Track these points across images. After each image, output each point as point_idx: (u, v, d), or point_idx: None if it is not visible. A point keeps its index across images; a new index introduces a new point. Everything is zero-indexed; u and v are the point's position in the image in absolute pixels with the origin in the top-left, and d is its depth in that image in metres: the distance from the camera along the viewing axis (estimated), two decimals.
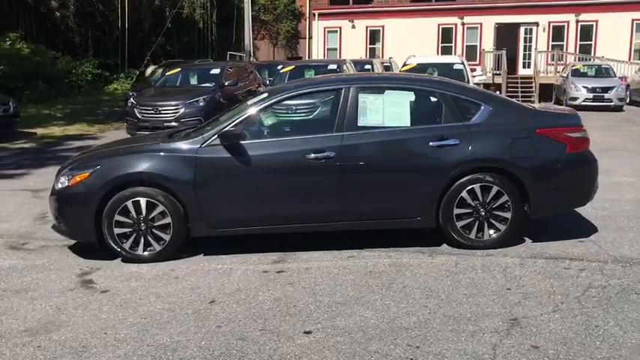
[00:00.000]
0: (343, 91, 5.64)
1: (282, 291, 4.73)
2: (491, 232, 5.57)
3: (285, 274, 5.13)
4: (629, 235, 5.92)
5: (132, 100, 13.91)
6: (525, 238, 5.84)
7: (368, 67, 19.19)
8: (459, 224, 5.55)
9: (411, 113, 5.63)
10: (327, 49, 28.04)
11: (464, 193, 5.49)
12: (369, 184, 5.51)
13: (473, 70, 22.46)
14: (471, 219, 5.55)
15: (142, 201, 5.42)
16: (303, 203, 5.52)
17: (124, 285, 4.98)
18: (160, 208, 5.44)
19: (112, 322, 4.23)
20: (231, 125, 5.51)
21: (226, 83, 14.05)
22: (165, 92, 14.08)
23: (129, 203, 5.42)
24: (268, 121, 5.83)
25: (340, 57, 26.44)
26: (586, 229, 6.14)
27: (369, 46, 27.75)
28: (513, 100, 6.32)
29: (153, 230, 5.47)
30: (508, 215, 5.53)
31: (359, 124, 5.55)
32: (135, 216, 5.43)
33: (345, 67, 14.39)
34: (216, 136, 5.47)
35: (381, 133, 5.56)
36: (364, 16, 27.45)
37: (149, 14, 29.92)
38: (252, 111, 5.66)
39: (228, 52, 28.48)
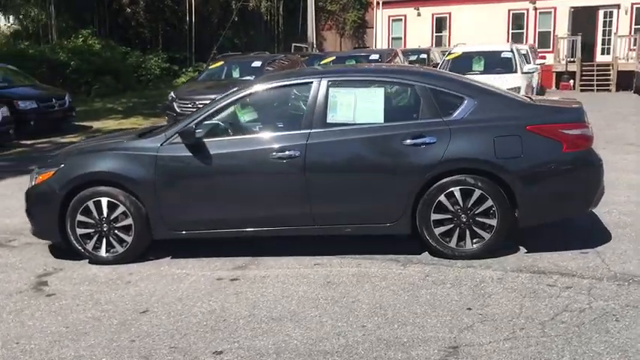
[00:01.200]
0: (313, 85, 5.21)
1: (223, 302, 4.39)
2: (475, 240, 4.99)
3: (237, 282, 4.79)
4: None
5: (172, 94, 13.89)
6: (521, 247, 5.21)
7: (424, 56, 18.45)
8: (438, 231, 5.00)
9: (386, 109, 5.12)
10: (392, 39, 27.26)
11: (442, 197, 4.93)
12: (336, 186, 5.06)
13: (542, 58, 21.16)
14: (451, 225, 4.98)
15: (103, 201, 5.25)
16: (269, 206, 5.15)
17: (73, 289, 4.82)
18: (122, 208, 5.24)
19: (32, 331, 4.06)
20: (194, 122, 5.22)
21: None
22: (204, 86, 13.94)
23: (90, 203, 5.26)
24: (234, 117, 5.47)
25: (405, 46, 25.65)
26: (597, 238, 5.40)
27: (434, 35, 26.73)
28: (508, 92, 5.63)
29: (115, 231, 5.29)
30: (493, 222, 4.93)
31: (328, 121, 5.11)
32: (97, 216, 5.26)
33: (389, 57, 13.79)
34: (177, 134, 5.21)
35: (350, 130, 5.09)
36: (430, 3, 26.44)
37: (217, 8, 30.27)
38: (217, 107, 5.34)
39: (293, 44, 28.32)
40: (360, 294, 4.43)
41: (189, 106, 12.90)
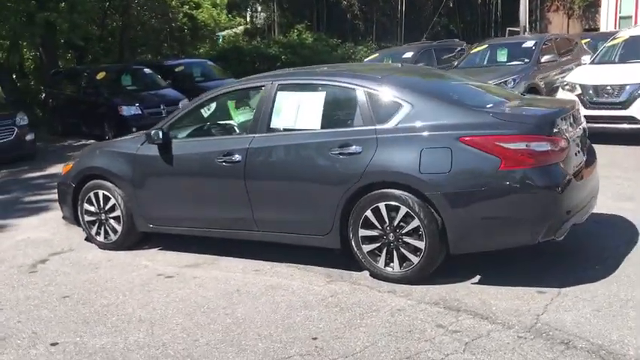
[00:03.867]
0: (264, 88, 5.14)
1: (127, 297, 4.67)
2: (405, 263, 4.47)
3: (169, 279, 5.02)
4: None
5: None
6: (475, 275, 4.51)
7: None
8: (367, 249, 4.59)
9: (325, 114, 4.81)
10: (619, 18, 23.89)
11: (368, 212, 4.51)
12: (273, 194, 4.94)
13: None
14: (379, 244, 4.54)
15: (100, 193, 5.88)
16: (218, 208, 5.26)
17: (56, 269, 5.51)
18: (113, 201, 5.82)
19: None
20: (166, 124, 5.53)
21: (543, 59, 11.78)
22: (468, 74, 11.45)
23: (91, 194, 5.94)
24: (199, 121, 5.64)
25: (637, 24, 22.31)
26: (579, 276, 4.41)
27: None
28: (463, 95, 4.79)
29: (110, 221, 5.90)
30: (421, 245, 4.36)
31: (271, 126, 5.00)
32: (96, 206, 5.93)
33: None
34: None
35: (287, 136, 4.92)
36: None
37: None
38: (186, 110, 5.57)
39: (508, 29, 26.63)
40: (243, 306, 4.33)
41: None
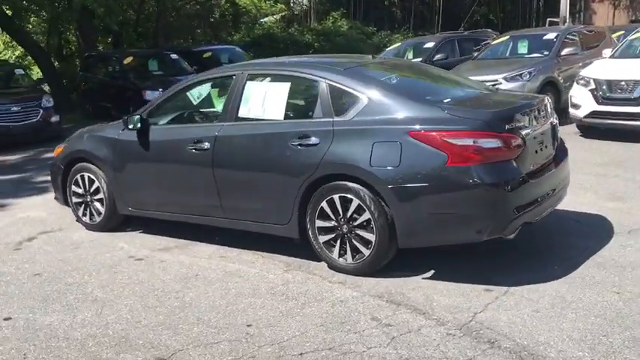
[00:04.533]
0: (234, 77, 5.21)
1: (92, 277, 4.84)
2: (357, 255, 4.50)
3: (138, 262, 5.18)
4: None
5: None
6: (430, 270, 4.51)
7: None
8: (322, 239, 4.63)
9: (288, 105, 4.86)
10: None
11: (324, 203, 4.55)
12: (237, 182, 5.03)
13: None
14: (333, 235, 4.57)
15: (86, 176, 6.08)
16: (188, 195, 5.38)
17: (39, 246, 5.76)
18: (97, 184, 6.02)
19: None
20: (145, 111, 5.67)
21: (564, 52, 11.41)
22: (485, 65, 11.74)
23: (78, 177, 6.14)
24: (176, 108, 5.74)
25: None
26: (542, 275, 4.35)
27: None
28: (424, 90, 4.74)
29: (94, 203, 6.10)
30: (372, 238, 4.38)
31: (239, 115, 5.08)
32: (83, 189, 6.13)
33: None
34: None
35: (251, 126, 4.99)
36: None
37: None
38: (164, 97, 5.69)
39: (548, 19, 25.92)
40: (195, 291, 4.45)
41: None
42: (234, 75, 5.23)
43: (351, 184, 4.40)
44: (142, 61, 15.76)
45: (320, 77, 4.75)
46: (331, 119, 4.58)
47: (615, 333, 3.53)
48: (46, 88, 17.94)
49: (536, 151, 4.52)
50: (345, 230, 4.50)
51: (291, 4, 31.11)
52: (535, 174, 4.42)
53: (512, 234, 4.22)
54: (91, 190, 6.06)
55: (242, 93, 5.09)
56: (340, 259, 4.57)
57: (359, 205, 4.38)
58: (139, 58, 15.90)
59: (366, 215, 4.36)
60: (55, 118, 12.85)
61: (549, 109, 4.92)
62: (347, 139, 4.44)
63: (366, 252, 4.43)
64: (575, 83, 9.95)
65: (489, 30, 19.80)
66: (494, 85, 10.40)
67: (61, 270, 5.07)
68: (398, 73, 5.03)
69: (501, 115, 4.27)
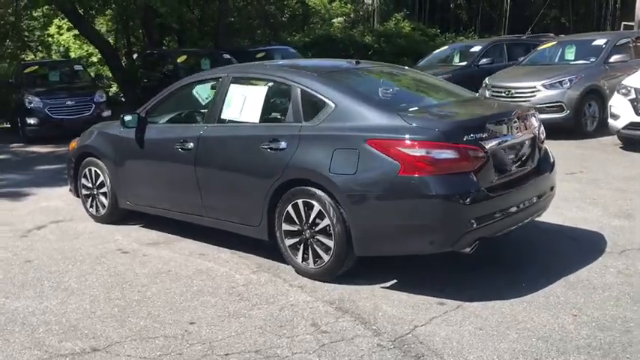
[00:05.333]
0: (220, 80, 5.33)
1: (74, 267, 5.07)
2: (317, 261, 4.51)
3: (124, 255, 5.39)
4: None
5: (486, 80, 11.40)
6: (394, 281, 4.46)
7: None
8: (288, 243, 4.67)
9: (264, 109, 4.93)
10: None
11: (289, 207, 4.59)
12: (216, 182, 5.16)
13: None
14: (298, 239, 4.61)
15: (92, 170, 6.38)
16: (176, 192, 5.55)
17: (41, 235, 6.09)
18: (102, 178, 6.30)
19: None
20: (144, 109, 5.89)
21: (612, 59, 10.90)
22: (526, 72, 11.42)
23: (87, 170, 6.45)
24: (171, 107, 5.91)
25: None
26: (507, 292, 4.22)
27: None
28: (393, 97, 4.65)
29: (99, 196, 6.39)
30: (331, 244, 4.38)
31: (221, 117, 5.20)
32: (90, 182, 6.44)
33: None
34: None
35: (230, 128, 5.10)
36: None
37: None
38: (161, 97, 5.88)
39: (623, 23, 24.72)
40: (160, 286, 4.59)
41: (503, 94, 10.59)
42: (221, 77, 5.36)
43: (313, 190, 4.42)
44: (195, 60, 16.21)
45: (294, 82, 4.79)
46: (300, 124, 4.62)
47: (549, 357, 3.39)
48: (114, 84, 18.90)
49: (507, 163, 4.38)
50: (307, 235, 4.52)
51: (357, 5, 31.10)
52: (502, 187, 4.29)
53: (468, 248, 4.11)
54: (97, 184, 6.35)
55: (225, 95, 5.20)
56: (303, 263, 4.60)
57: (320, 210, 4.39)
58: (193, 57, 16.37)
59: (326, 221, 4.37)
60: (106, 113, 13.45)
61: (533, 120, 4.75)
62: (311, 144, 4.47)
63: (326, 258, 4.44)
64: (615, 92, 9.48)
65: (551, 35, 19.08)
66: (533, 92, 10.40)
67: (50, 258, 5.35)
68: (371, 81, 5.01)
69: (461, 125, 4.17)
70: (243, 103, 5.07)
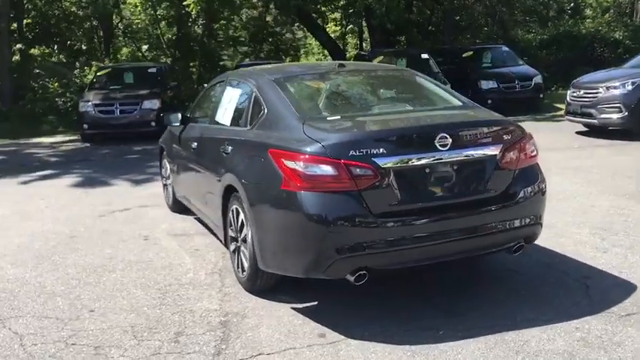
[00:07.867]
0: (223, 83, 5.48)
1: (85, 247, 5.60)
2: (244, 270, 4.35)
3: (141, 242, 5.79)
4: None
5: (574, 81, 12.15)
6: (315, 302, 4.11)
7: None
8: (231, 248, 4.61)
9: (235, 112, 4.91)
10: None
11: (230, 213, 4.52)
12: (200, 182, 5.37)
13: None
14: (234, 246, 4.51)
15: (163, 162, 7.04)
16: (191, 189, 5.83)
17: (113, 218, 6.85)
18: (168, 170, 6.89)
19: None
20: (189, 111, 6.28)
21: None
22: (607, 75, 11.74)
23: (162, 162, 7.13)
24: (203, 108, 6.08)
25: None
26: (424, 334, 3.61)
27: None
28: (328, 105, 4.09)
29: (168, 187, 6.96)
30: (249, 254, 4.20)
31: (215, 119, 5.32)
32: (164, 173, 7.10)
33: None
34: None
35: (213, 130, 5.25)
36: None
37: None
38: (199, 96, 6.20)
39: None
40: (126, 273, 4.90)
41: (574, 94, 11.49)
42: (223, 80, 5.49)
43: (239, 196, 4.29)
44: (388, 60, 16.16)
45: (252, 85, 4.71)
46: (242, 128, 4.54)
47: None
48: None
49: (429, 185, 3.68)
50: (238, 243, 4.41)
51: None
52: (412, 213, 3.63)
53: (351, 278, 3.56)
54: (166, 175, 6.98)
55: (221, 98, 5.32)
56: (238, 269, 4.49)
57: (243, 219, 4.25)
58: (388, 56, 16.36)
59: (246, 229, 4.21)
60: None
61: (470, 138, 3.85)
62: (240, 150, 4.38)
63: (247, 268, 4.27)
64: None
65: None
66: (596, 94, 10.73)
67: (81, 235, 6.02)
68: (330, 84, 4.63)
69: (351, 139, 3.61)
70: (227, 106, 5.14)
